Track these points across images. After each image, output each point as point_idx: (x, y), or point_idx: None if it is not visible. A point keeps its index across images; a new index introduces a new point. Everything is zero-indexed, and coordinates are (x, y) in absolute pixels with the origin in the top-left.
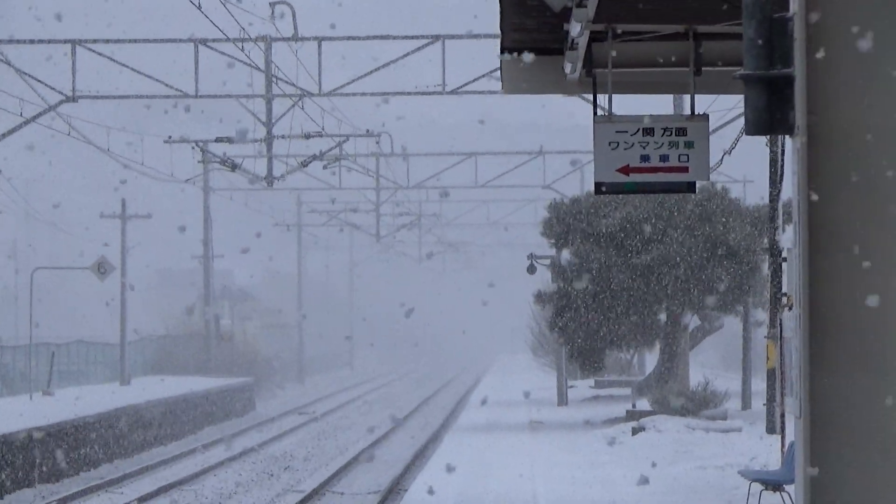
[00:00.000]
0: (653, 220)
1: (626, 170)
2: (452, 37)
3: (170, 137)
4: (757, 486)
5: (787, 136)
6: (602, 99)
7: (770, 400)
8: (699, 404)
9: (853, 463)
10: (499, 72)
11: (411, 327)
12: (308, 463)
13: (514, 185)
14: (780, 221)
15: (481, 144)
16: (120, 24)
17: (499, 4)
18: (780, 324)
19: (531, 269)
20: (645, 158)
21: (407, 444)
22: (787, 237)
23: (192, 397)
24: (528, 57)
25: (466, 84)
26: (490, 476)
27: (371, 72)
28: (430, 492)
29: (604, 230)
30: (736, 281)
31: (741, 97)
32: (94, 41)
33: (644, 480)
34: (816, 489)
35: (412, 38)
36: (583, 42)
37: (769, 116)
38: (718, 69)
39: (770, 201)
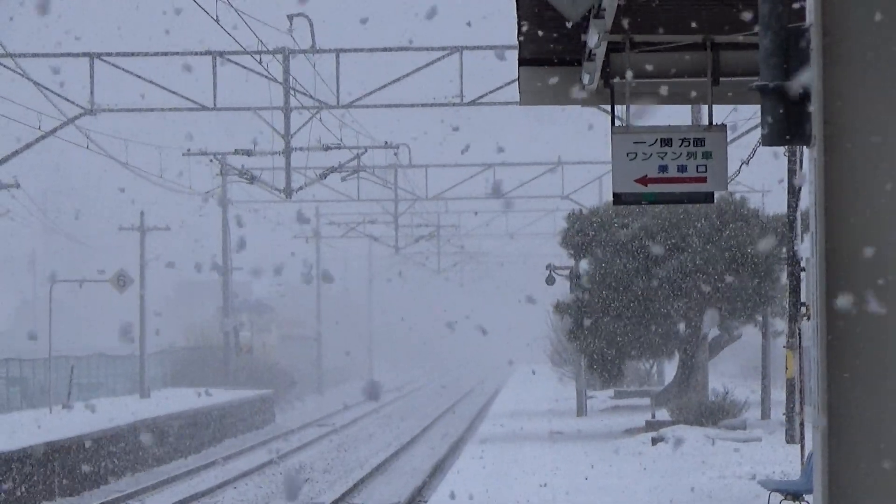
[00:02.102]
0: (671, 231)
1: (644, 180)
2: (470, 48)
3: (188, 150)
4: (777, 496)
5: (804, 147)
6: (620, 110)
7: (790, 410)
8: (718, 414)
9: (872, 473)
10: (517, 83)
11: (430, 338)
12: (328, 475)
13: (533, 196)
14: (798, 231)
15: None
16: (139, 36)
17: (516, 16)
18: (800, 333)
19: (550, 280)
20: (663, 169)
21: (426, 455)
22: (806, 247)
23: (211, 410)
24: (545, 68)
25: (484, 95)
26: (510, 486)
27: (389, 83)
28: (451, 501)
29: (622, 240)
30: (755, 291)
31: (759, 107)
32: (112, 54)
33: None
34: (836, 499)
35: (430, 49)
36: (600, 53)
37: (786, 127)
38: (736, 79)
39: (788, 211)
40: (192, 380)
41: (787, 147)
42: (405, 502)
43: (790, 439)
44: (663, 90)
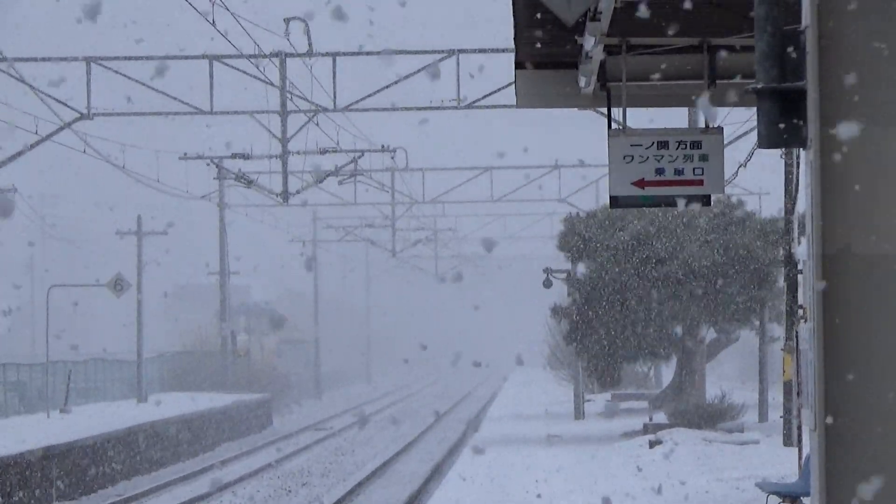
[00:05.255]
0: (668, 234)
1: (641, 183)
2: (467, 51)
3: (185, 154)
4: (774, 499)
5: (800, 149)
6: (616, 112)
7: (787, 412)
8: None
9: (869, 475)
10: (513, 86)
11: (427, 342)
12: (326, 479)
13: (530, 200)
14: (795, 234)
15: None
16: (135, 40)
17: (513, 19)
18: (797, 336)
19: (547, 284)
20: (660, 172)
21: (425, 459)
22: (803, 249)
23: (209, 413)
24: (542, 71)
25: (481, 99)
26: (507, 489)
27: (386, 87)
28: None
29: (619, 243)
30: (752, 293)
31: (755, 110)
32: (109, 58)
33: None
34: (833, 501)
35: (427, 52)
36: (597, 55)
37: (782, 130)
38: (732, 82)
39: (785, 213)
40: (190, 384)
41: (783, 149)
42: None
43: (788, 442)
44: (660, 93)
